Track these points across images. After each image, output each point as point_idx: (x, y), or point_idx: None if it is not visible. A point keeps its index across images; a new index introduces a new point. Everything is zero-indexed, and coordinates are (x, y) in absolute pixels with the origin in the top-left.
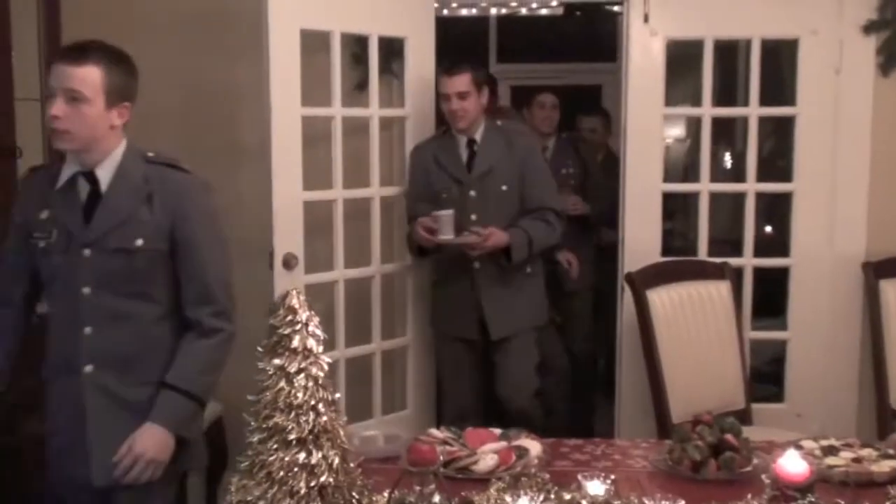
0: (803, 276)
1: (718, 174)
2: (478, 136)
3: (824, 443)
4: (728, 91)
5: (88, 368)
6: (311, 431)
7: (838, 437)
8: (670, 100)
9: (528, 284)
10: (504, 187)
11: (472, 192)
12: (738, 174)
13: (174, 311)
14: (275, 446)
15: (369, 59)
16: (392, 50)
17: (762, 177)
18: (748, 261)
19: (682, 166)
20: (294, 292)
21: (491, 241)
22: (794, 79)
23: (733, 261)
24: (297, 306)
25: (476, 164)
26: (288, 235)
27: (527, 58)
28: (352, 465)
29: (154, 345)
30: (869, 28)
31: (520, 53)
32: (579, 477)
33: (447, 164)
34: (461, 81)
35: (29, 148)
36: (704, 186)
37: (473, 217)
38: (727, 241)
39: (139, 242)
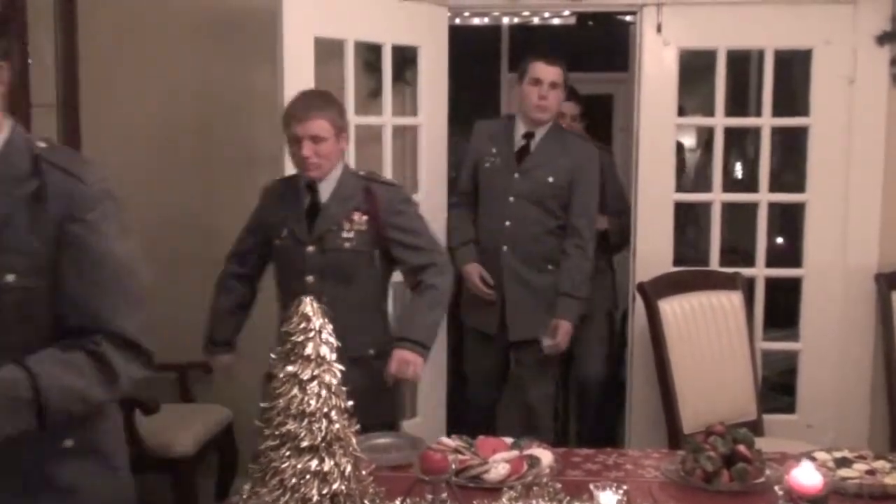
0: (816, 286)
1: (728, 184)
2: None
3: (837, 454)
4: (739, 101)
5: None
6: (323, 439)
7: (850, 448)
8: (681, 109)
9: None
10: None
11: None
12: (749, 184)
13: None
14: (287, 453)
15: (383, 68)
16: (405, 58)
17: (774, 187)
18: (760, 271)
19: (692, 176)
20: (307, 300)
21: None
22: (805, 89)
23: (745, 271)
24: (310, 314)
25: None
26: None
27: None
28: (364, 472)
29: None
30: (883, 38)
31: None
32: (591, 487)
33: None
34: None
35: None
36: (717, 196)
37: None
38: (738, 252)
39: None
